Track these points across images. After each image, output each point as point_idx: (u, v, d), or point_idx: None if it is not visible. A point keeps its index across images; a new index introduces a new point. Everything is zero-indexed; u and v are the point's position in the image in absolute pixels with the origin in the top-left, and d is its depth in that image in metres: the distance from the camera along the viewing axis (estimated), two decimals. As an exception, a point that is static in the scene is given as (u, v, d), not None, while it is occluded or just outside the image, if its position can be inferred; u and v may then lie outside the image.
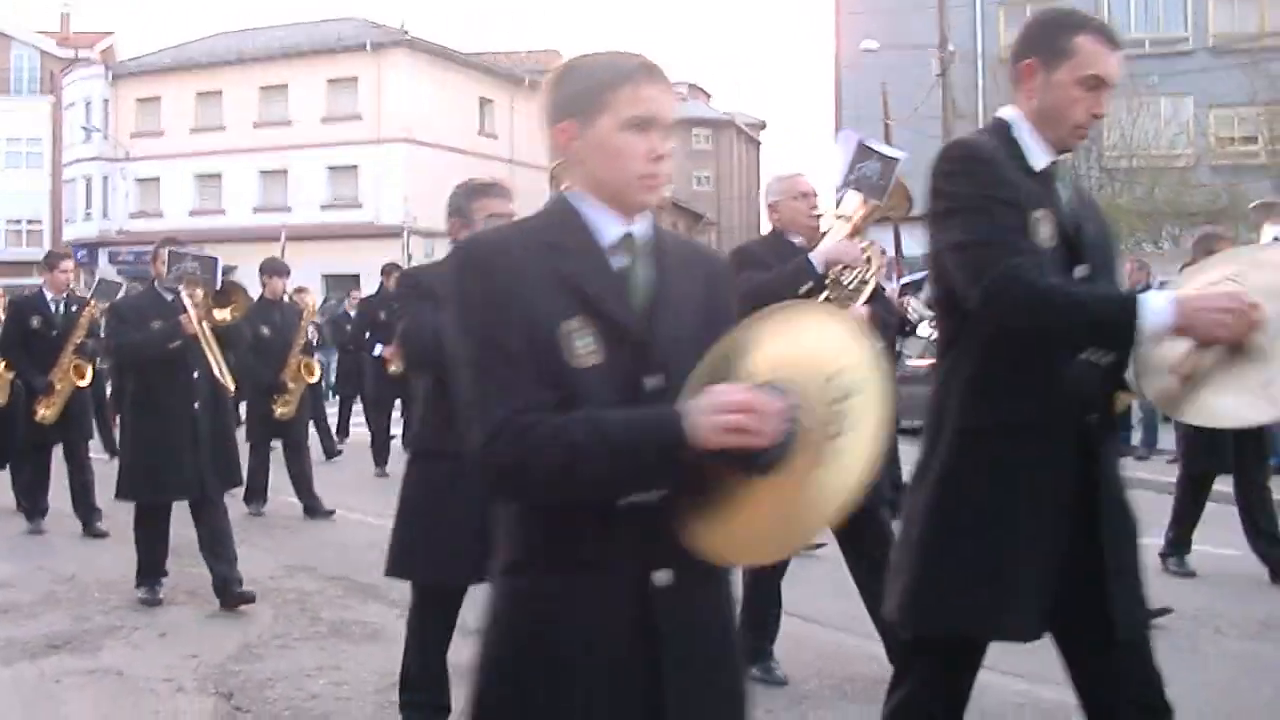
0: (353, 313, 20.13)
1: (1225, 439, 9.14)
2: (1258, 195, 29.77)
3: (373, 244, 47.18)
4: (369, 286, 28.39)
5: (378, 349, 16.13)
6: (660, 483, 2.65)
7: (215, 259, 9.08)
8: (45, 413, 11.77)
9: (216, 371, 8.79)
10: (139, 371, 9.12)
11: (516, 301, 2.72)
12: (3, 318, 13.21)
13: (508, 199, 5.61)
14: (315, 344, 16.03)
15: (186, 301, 8.67)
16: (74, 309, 12.01)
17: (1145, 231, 30.02)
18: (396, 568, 5.70)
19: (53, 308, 11.93)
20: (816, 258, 6.56)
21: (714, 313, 3.03)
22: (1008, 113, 4.00)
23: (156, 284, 9.08)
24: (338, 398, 20.02)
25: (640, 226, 3.00)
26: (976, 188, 3.74)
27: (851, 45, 39.65)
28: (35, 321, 11.85)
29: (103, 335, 11.95)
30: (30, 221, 62.35)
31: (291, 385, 13.32)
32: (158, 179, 55.85)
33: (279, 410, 13.15)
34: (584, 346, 2.72)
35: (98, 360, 12.51)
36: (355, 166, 51.27)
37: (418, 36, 52.32)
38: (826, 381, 2.56)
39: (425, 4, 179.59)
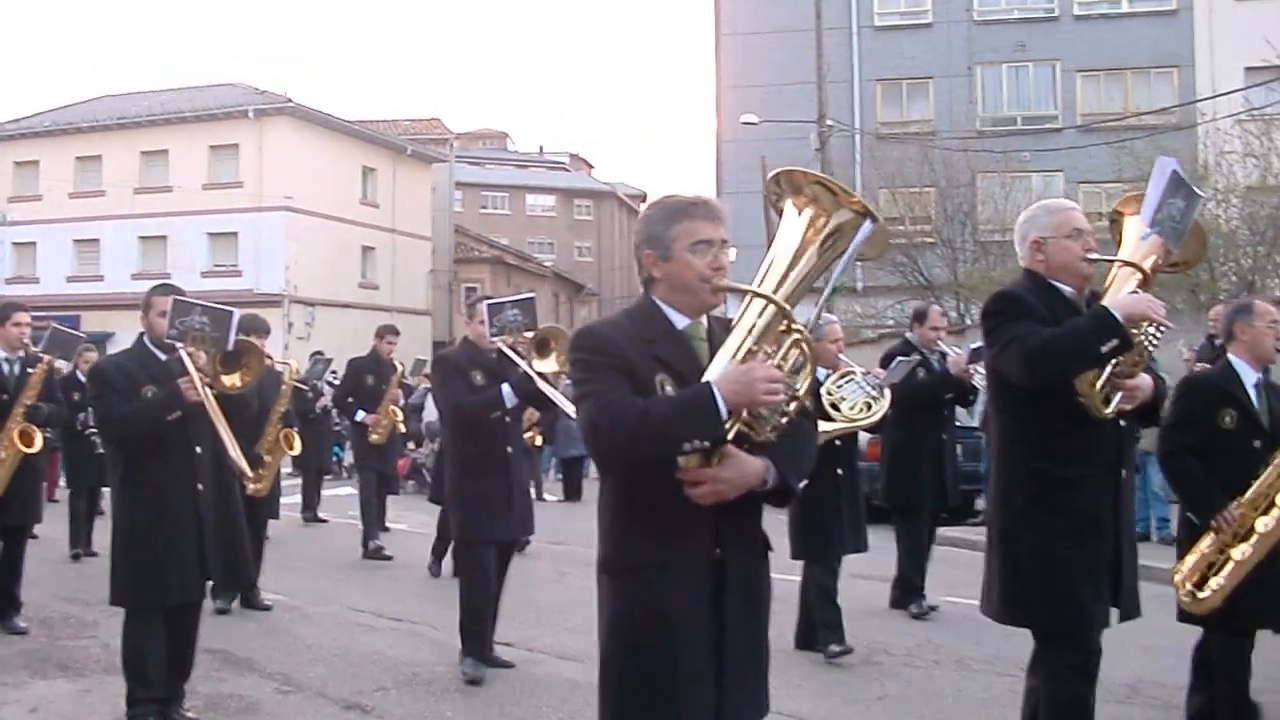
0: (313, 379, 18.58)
1: None
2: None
3: (253, 311, 46.85)
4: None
5: (360, 414, 15.20)
6: None
7: (231, 312, 7.45)
8: None
9: (232, 452, 7.44)
10: (130, 449, 7.37)
11: None
12: None
13: (719, 220, 4.31)
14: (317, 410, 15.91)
15: (187, 361, 7.16)
16: (30, 370, 10.35)
17: (1018, 304, 30.60)
18: None
19: (5, 368, 10.27)
20: (1118, 310, 5.27)
21: None
22: None
23: (146, 339, 7.59)
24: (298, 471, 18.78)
25: None
26: None
27: (732, 118, 40.14)
28: None
29: (89, 400, 10.73)
30: (-98, 286, 61.26)
31: (268, 458, 11.91)
32: (35, 244, 54.99)
33: (252, 486, 11.03)
34: None
35: (48, 427, 10.73)
36: (236, 234, 50.80)
37: (300, 104, 52.12)
38: None
39: (308, 71, 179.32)
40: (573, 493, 24.10)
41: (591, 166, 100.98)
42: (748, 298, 4.12)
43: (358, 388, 15.31)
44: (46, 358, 10.74)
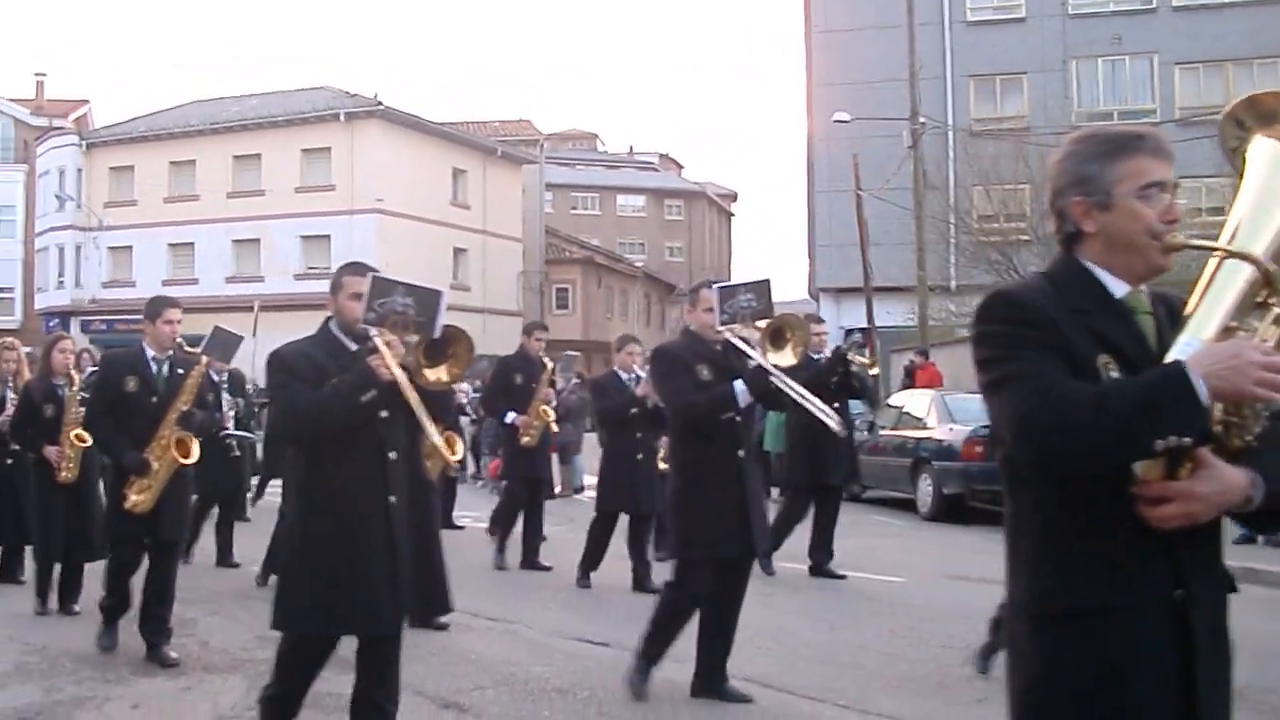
0: None
1: None
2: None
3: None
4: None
5: (510, 416, 13.88)
6: None
7: (439, 292, 6.23)
8: (137, 498, 9.10)
9: (438, 442, 6.09)
10: (314, 449, 6.26)
11: None
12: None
13: (1170, 158, 3.40)
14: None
15: (382, 348, 5.96)
16: (180, 371, 9.38)
17: (1117, 302, 30.24)
18: None
19: (154, 368, 9.29)
20: None
21: None
22: None
23: (334, 326, 6.51)
24: None
25: None
26: None
27: (824, 117, 39.98)
28: (132, 384, 9.22)
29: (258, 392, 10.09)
30: (2, 289, 62.52)
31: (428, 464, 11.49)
32: (130, 248, 55.84)
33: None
34: None
35: (201, 435, 9.62)
36: (328, 236, 51.24)
37: (391, 107, 52.47)
38: None
39: (398, 74, 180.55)
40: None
41: (681, 166, 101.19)
42: (1215, 260, 3.20)
43: (506, 387, 14.04)
44: (205, 359, 10.00)
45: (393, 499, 6.11)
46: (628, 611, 11.23)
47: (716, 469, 7.92)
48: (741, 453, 8.00)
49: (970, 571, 13.68)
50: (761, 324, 8.02)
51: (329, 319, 6.52)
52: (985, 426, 19.15)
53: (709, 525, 7.85)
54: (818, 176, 42.73)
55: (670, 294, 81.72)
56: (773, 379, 7.81)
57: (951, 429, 19.51)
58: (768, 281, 8.15)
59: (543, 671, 8.93)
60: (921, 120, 33.81)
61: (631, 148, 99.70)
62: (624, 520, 12.78)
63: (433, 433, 6.02)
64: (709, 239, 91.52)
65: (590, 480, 22.18)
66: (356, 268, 6.50)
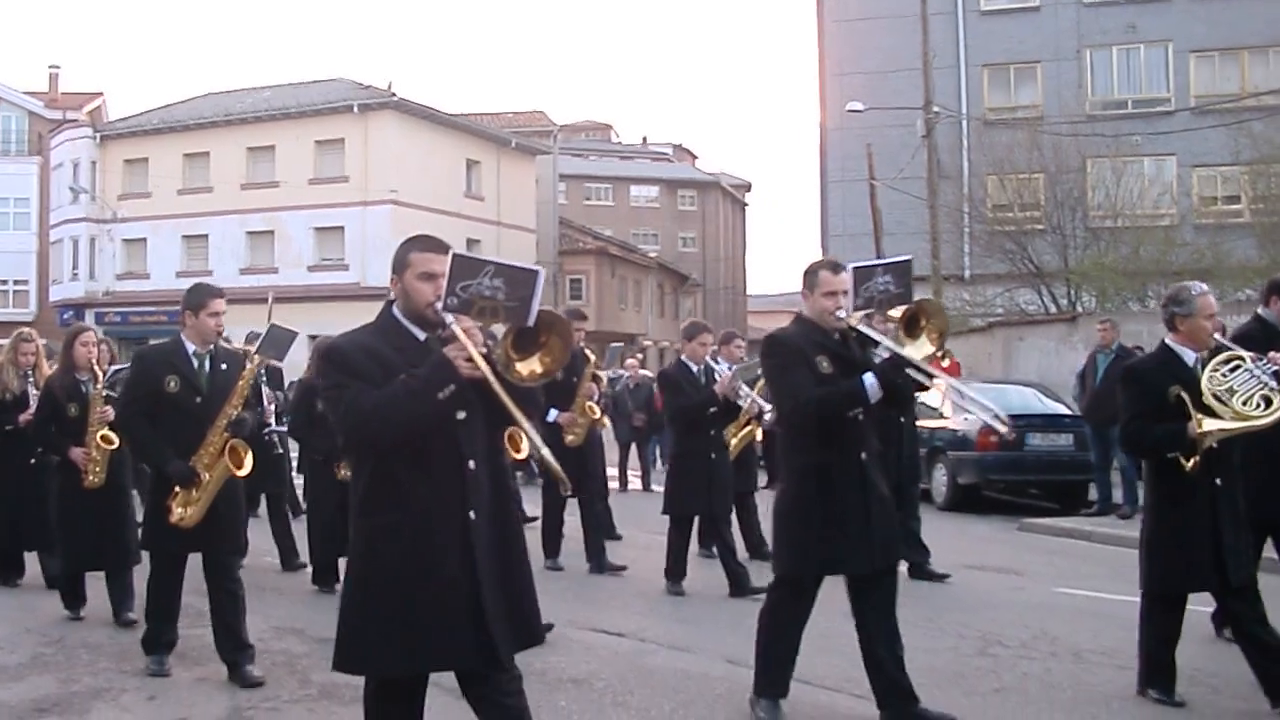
0: None
1: None
2: (1241, 254, 29.99)
3: (360, 306, 47.21)
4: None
5: (552, 414, 12.77)
6: None
7: (535, 271, 5.21)
8: (183, 511, 8.22)
9: (538, 443, 5.12)
10: (376, 459, 5.28)
11: None
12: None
13: None
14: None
15: (461, 335, 4.98)
16: (225, 367, 8.51)
17: (1131, 290, 30.11)
18: None
19: (195, 364, 8.41)
20: None
21: None
22: None
23: (397, 311, 5.43)
24: None
25: None
26: None
27: (837, 106, 39.93)
28: (172, 383, 8.33)
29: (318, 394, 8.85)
30: (17, 282, 62.64)
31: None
32: (145, 240, 55.92)
33: None
34: None
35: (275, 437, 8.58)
36: (342, 228, 51.38)
37: (404, 98, 52.48)
38: None
39: (412, 65, 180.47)
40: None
41: (695, 157, 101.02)
42: None
43: (549, 385, 12.64)
44: (258, 358, 9.09)
45: (473, 515, 5.22)
46: (643, 602, 11.25)
47: (839, 474, 7.10)
48: (864, 455, 7.18)
49: (985, 561, 13.70)
50: (896, 311, 7.17)
51: (390, 303, 5.48)
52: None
53: (830, 537, 7.06)
54: (831, 166, 42.66)
55: (683, 284, 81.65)
56: (910, 373, 6.92)
57: (966, 419, 19.43)
58: (909, 261, 7.43)
59: (559, 662, 8.90)
60: (935, 110, 33.71)
61: (645, 138, 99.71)
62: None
63: (530, 431, 5.17)
64: (723, 229, 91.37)
65: (614, 474, 22.21)
66: (429, 243, 5.44)
